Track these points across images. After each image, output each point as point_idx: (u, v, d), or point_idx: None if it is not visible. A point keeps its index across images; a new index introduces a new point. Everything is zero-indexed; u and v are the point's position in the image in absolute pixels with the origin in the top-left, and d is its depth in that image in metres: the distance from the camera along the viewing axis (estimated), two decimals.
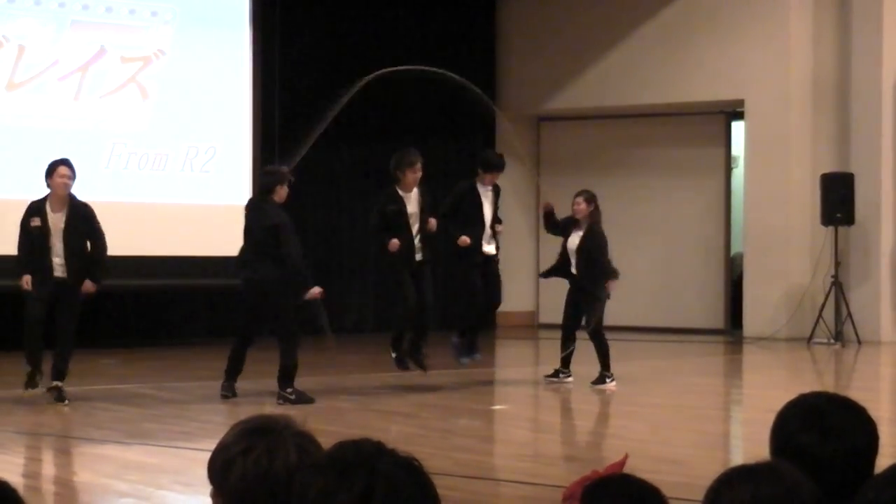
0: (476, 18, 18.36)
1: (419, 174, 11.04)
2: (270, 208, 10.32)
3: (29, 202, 10.66)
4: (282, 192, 10.44)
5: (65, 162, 10.26)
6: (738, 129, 17.62)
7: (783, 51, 16.54)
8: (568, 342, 11.54)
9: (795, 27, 16.53)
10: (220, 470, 2.30)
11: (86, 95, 14.68)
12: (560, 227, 11.72)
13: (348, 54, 17.06)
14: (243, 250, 10.45)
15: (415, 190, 11.06)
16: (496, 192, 11.62)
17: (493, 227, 11.45)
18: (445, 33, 17.95)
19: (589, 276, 11.29)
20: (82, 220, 10.31)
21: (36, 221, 10.24)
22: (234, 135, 15.59)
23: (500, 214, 11.73)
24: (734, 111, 17.50)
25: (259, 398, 10.45)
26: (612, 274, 11.33)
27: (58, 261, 10.27)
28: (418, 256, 10.94)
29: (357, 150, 17.24)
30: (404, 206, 10.96)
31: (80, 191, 14.58)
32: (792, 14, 16.48)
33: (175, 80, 15.15)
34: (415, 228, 10.93)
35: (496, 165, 11.61)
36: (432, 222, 11.06)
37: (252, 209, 10.56)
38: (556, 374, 11.65)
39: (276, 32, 16.29)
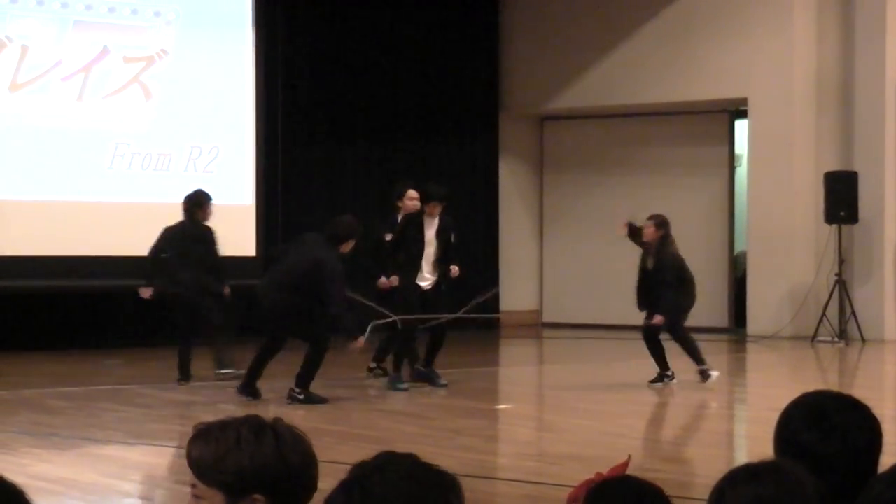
0: (480, 18, 18.35)
1: (411, 202, 11.19)
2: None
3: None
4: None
5: (413, 186, 11.40)
6: (741, 127, 17.61)
7: (787, 49, 16.52)
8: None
9: (799, 25, 16.51)
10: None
11: (89, 96, 14.69)
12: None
13: (351, 54, 17.07)
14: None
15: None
16: (445, 225, 11.45)
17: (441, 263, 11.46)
18: (449, 33, 17.95)
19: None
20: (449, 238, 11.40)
21: (389, 237, 11.16)
22: (237, 135, 15.60)
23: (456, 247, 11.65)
24: (738, 110, 17.48)
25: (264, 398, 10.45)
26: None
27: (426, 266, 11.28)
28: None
29: (359, 149, 17.24)
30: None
31: (83, 191, 14.66)
32: (795, 12, 16.47)
33: (178, 80, 15.15)
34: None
35: (433, 195, 11.38)
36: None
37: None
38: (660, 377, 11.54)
39: (278, 32, 16.30)
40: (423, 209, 11.29)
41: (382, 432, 8.83)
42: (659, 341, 11.44)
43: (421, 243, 11.25)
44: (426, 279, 11.35)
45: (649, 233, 11.44)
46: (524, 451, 8.58)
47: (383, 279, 11.29)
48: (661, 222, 11.51)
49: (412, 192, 11.20)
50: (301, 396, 10.07)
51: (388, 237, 11.20)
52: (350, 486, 2.19)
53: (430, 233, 11.33)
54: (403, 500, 2.13)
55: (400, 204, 11.30)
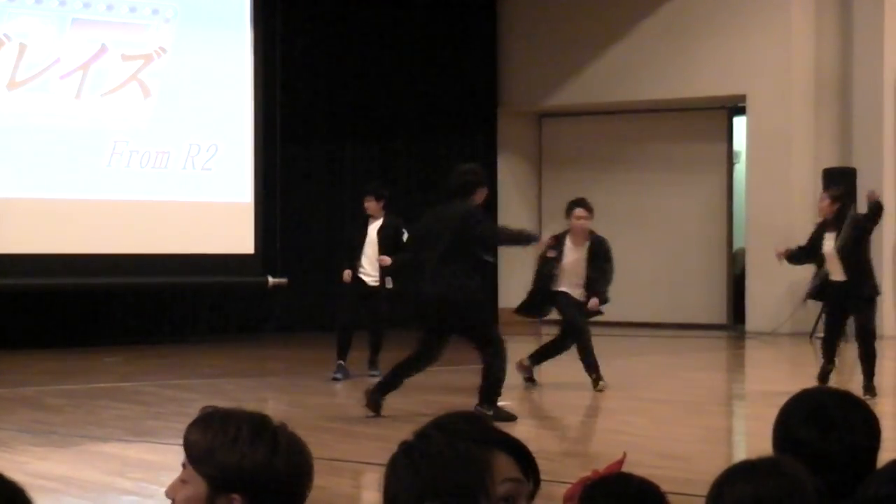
0: (477, 16, 18.36)
1: (578, 222, 11.11)
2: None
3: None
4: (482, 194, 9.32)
5: (581, 203, 11.11)
6: (739, 124, 17.62)
7: (785, 46, 16.53)
8: (833, 358, 10.55)
9: (797, 22, 16.52)
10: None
11: (87, 94, 14.68)
12: (809, 250, 10.81)
13: (349, 52, 17.07)
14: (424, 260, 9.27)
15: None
16: (386, 224, 11.67)
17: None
18: (447, 31, 17.96)
19: (855, 278, 10.38)
20: (602, 255, 10.92)
21: (552, 254, 10.85)
22: (235, 132, 15.59)
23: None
24: (736, 106, 17.49)
25: (262, 394, 10.45)
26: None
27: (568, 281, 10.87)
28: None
29: (357, 146, 17.25)
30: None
31: (81, 189, 14.65)
32: (794, 9, 16.47)
33: (176, 77, 15.15)
34: None
35: (365, 191, 11.91)
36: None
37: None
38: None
39: (276, 29, 16.30)
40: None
41: (380, 429, 8.83)
42: (872, 343, 10.42)
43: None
44: (370, 275, 11.61)
45: (825, 206, 10.56)
46: None
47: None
48: (838, 195, 10.65)
49: (579, 211, 10.97)
50: (490, 413, 8.83)
51: (551, 254, 10.89)
52: (396, 454, 2.17)
53: (373, 230, 11.63)
54: (435, 474, 2.11)
55: (568, 220, 11.19)
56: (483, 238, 9.08)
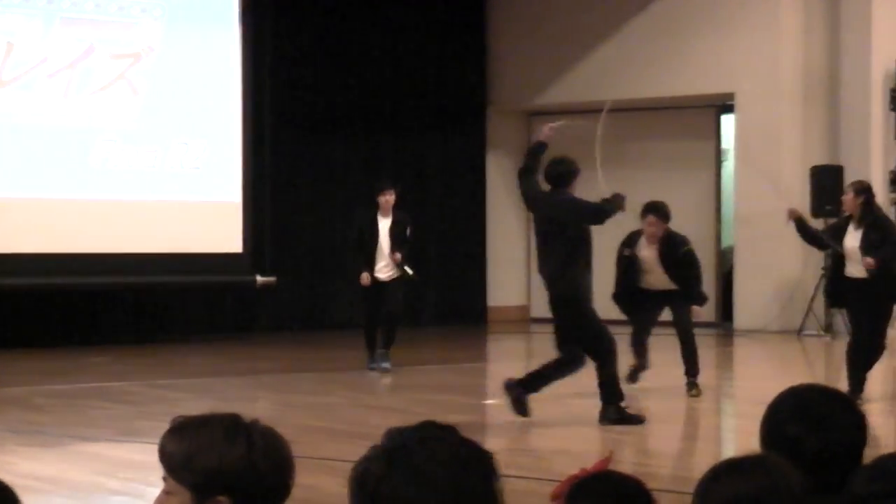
0: (466, 14, 18.36)
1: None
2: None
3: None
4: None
5: (653, 210, 11.07)
6: (728, 122, 17.64)
7: (773, 44, 16.55)
8: (863, 385, 9.85)
9: (785, 20, 16.54)
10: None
11: (75, 92, 14.65)
12: (821, 238, 10.64)
13: (338, 50, 17.06)
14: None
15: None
16: (397, 219, 11.98)
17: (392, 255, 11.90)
18: (436, 29, 17.95)
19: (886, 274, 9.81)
20: (673, 254, 10.75)
21: (627, 252, 10.85)
22: (224, 131, 15.57)
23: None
24: (724, 104, 17.51)
25: (253, 393, 10.44)
26: None
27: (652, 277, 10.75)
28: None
29: (346, 144, 17.25)
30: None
31: (68, 189, 14.63)
32: (782, 7, 16.50)
33: (165, 76, 15.12)
34: None
35: (376, 188, 12.19)
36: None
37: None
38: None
39: (266, 27, 16.29)
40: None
41: (371, 428, 8.81)
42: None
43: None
44: (386, 272, 11.89)
45: (848, 200, 10.06)
46: (512, 445, 8.59)
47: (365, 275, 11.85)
48: (861, 188, 10.09)
49: (651, 219, 11.06)
50: (512, 396, 9.09)
51: (627, 252, 10.98)
52: (392, 455, 2.17)
53: (384, 226, 11.91)
54: (447, 478, 2.12)
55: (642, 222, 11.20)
56: (603, 213, 9.62)
